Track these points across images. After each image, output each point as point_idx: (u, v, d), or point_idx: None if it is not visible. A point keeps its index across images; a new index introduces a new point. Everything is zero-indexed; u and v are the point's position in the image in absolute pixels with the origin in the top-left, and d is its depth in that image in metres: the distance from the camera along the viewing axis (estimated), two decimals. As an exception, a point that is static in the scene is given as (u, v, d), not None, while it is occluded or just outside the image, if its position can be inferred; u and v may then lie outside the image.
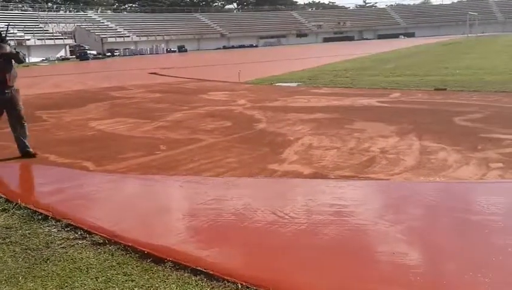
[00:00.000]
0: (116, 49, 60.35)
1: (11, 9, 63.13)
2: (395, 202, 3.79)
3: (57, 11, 72.14)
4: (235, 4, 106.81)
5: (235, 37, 79.87)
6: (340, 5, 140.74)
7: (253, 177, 4.57)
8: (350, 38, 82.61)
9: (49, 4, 75.26)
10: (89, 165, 5.30)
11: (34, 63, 40.65)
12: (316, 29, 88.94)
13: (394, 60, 22.96)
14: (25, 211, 3.81)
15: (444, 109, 7.97)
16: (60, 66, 37.56)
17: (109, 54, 57.31)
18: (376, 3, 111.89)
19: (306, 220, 3.40)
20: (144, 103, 11.21)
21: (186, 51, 65.59)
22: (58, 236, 3.28)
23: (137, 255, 2.93)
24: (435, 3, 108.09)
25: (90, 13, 74.26)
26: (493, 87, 10.42)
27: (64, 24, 63.48)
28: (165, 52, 64.62)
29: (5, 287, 2.63)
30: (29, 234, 3.35)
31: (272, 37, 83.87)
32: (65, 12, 74.71)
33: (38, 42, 52.62)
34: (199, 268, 2.70)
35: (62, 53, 55.83)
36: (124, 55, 58.45)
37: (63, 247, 3.10)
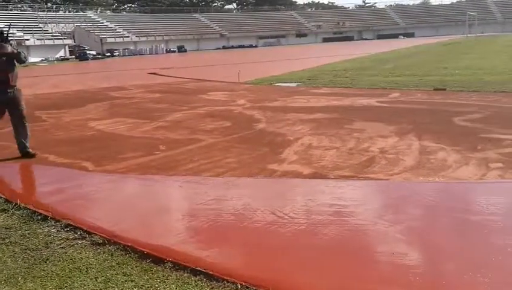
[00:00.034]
0: (116, 50, 60.35)
1: (10, 10, 63.10)
2: (394, 202, 3.79)
3: (56, 11, 72.11)
4: (234, 4, 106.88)
5: (234, 37, 79.88)
6: (340, 5, 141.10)
7: (252, 177, 4.57)
8: (349, 39, 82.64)
9: (49, 4, 75.26)
10: (88, 166, 5.30)
11: (33, 63, 40.61)
12: (316, 29, 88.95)
13: (393, 60, 22.97)
14: (25, 211, 3.81)
15: (444, 109, 7.98)
16: (59, 66, 37.55)
17: (109, 54, 57.30)
18: (375, 3, 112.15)
19: (305, 220, 3.40)
20: (144, 103, 11.21)
21: (185, 51, 65.59)
22: (57, 236, 3.28)
23: (136, 255, 2.93)
24: (434, 4, 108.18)
25: (90, 13, 74.23)
26: (492, 87, 10.43)
27: (63, 24, 63.47)
28: (165, 52, 64.63)
29: (5, 287, 2.63)
30: (28, 234, 3.35)
31: (272, 37, 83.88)
32: (64, 12, 74.66)
33: (38, 42, 52.58)
34: (199, 268, 2.70)
35: (61, 53, 55.81)
36: (123, 56, 58.45)
37: (62, 247, 3.10)
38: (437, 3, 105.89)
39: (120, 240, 3.14)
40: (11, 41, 5.61)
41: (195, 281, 2.60)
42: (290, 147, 5.69)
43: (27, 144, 5.78)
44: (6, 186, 4.75)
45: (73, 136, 7.25)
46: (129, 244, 3.05)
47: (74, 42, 60.83)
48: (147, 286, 2.57)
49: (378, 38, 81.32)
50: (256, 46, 74.85)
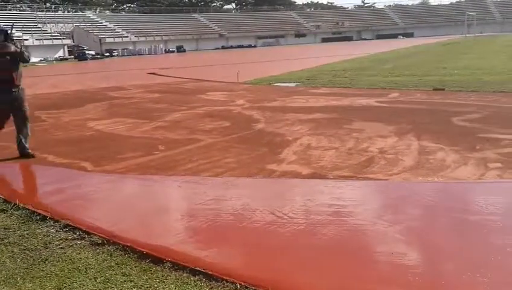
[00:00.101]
0: (115, 50, 60.34)
1: (9, 10, 63.03)
2: (393, 202, 3.80)
3: (55, 11, 72.06)
4: (233, 4, 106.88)
5: (233, 37, 79.90)
6: (339, 5, 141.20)
7: (251, 178, 4.57)
8: (349, 39, 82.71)
9: (48, 4, 75.20)
10: (87, 166, 5.29)
11: (32, 63, 40.46)
12: (315, 29, 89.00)
13: (393, 60, 22.99)
14: (23, 211, 3.80)
15: (443, 109, 7.98)
16: (58, 66, 37.52)
17: (108, 54, 57.29)
18: (374, 3, 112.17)
19: (305, 220, 3.40)
20: (143, 103, 11.20)
21: (184, 51, 65.58)
22: (56, 236, 3.28)
23: (136, 255, 2.93)
24: (433, 4, 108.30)
25: (89, 13, 74.20)
26: (491, 87, 10.44)
27: (62, 24, 63.45)
28: (164, 52, 64.61)
29: (4, 287, 2.63)
30: (27, 234, 3.35)
31: (271, 37, 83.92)
32: (63, 12, 74.62)
33: (37, 42, 52.51)
34: (198, 268, 2.70)
35: (60, 53, 55.77)
36: (122, 56, 58.42)
37: (61, 247, 3.10)
38: (436, 4, 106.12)
39: (119, 240, 3.14)
40: (15, 41, 5.62)
41: (194, 281, 2.60)
42: (289, 147, 5.69)
43: (27, 145, 5.77)
44: (5, 187, 4.74)
45: (72, 136, 7.25)
46: (128, 245, 3.05)
47: (73, 42, 60.82)
48: (146, 286, 2.57)
49: (377, 39, 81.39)
50: (255, 46, 74.87)
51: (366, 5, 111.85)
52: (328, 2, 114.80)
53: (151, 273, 2.70)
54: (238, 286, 2.51)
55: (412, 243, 3.00)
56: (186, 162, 5.23)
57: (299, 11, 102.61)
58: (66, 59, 51.95)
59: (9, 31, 5.53)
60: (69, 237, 3.26)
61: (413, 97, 9.74)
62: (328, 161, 5.01)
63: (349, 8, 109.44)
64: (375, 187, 4.19)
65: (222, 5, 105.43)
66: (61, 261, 2.90)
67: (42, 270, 2.80)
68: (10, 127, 5.86)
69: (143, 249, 2.97)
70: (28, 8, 69.64)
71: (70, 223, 3.47)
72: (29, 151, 5.76)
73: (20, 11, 66.83)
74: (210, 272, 2.65)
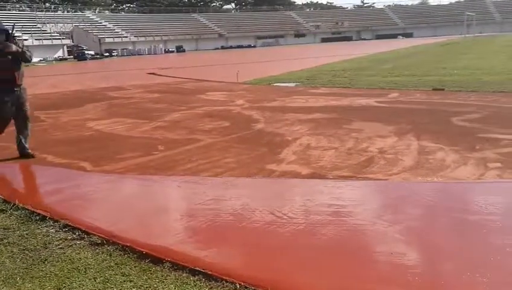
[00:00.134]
0: (114, 50, 60.36)
1: (9, 10, 63.02)
2: (393, 202, 3.79)
3: (54, 11, 72.04)
4: (233, 4, 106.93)
5: (233, 37, 79.94)
6: (338, 5, 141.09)
7: (251, 178, 4.57)
8: (348, 39, 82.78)
9: (47, 4, 75.17)
10: (86, 166, 5.29)
11: (32, 63, 40.42)
12: (314, 29, 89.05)
13: (392, 60, 23.00)
14: (23, 211, 3.80)
15: (442, 109, 7.98)
16: (58, 66, 37.50)
17: (107, 54, 57.32)
18: (374, 3, 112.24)
19: (304, 220, 3.40)
20: (142, 103, 11.20)
21: (184, 51, 65.62)
22: (56, 237, 3.28)
23: (135, 255, 2.93)
24: (433, 4, 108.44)
25: (88, 13, 74.22)
26: (491, 87, 10.44)
27: (62, 24, 63.47)
28: (163, 52, 64.66)
29: (3, 288, 2.62)
30: (27, 234, 3.35)
31: (270, 37, 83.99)
32: (63, 12, 74.62)
33: (36, 42, 52.49)
34: (197, 268, 2.70)
35: (60, 53, 55.80)
36: (122, 56, 58.44)
37: (60, 247, 3.10)
38: (436, 4, 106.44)
39: (118, 240, 3.13)
40: (16, 40, 5.62)
41: (193, 281, 2.60)
42: (288, 147, 5.69)
43: (26, 145, 5.77)
44: (4, 187, 4.73)
45: (71, 136, 7.25)
46: (128, 245, 3.05)
47: (72, 42, 60.84)
48: (145, 286, 2.56)
49: (376, 39, 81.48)
50: (254, 46, 74.91)
51: (365, 5, 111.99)
52: (327, 2, 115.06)
53: (151, 273, 2.69)
54: (238, 286, 2.51)
55: (412, 243, 3.00)
56: (185, 162, 5.23)
57: (299, 11, 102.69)
58: (66, 59, 51.97)
59: (10, 31, 5.54)
60: (69, 237, 3.26)
61: (413, 97, 9.74)
62: (328, 160, 5.01)
63: (349, 8, 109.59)
64: (374, 187, 4.19)
65: (222, 5, 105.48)
66: (61, 261, 2.90)
67: (41, 271, 2.79)
68: (10, 128, 5.86)
69: (142, 249, 2.96)
70: (27, 8, 69.65)
71: (69, 223, 3.47)
72: (29, 151, 5.76)
73: (19, 11, 66.86)
74: (209, 272, 2.65)
